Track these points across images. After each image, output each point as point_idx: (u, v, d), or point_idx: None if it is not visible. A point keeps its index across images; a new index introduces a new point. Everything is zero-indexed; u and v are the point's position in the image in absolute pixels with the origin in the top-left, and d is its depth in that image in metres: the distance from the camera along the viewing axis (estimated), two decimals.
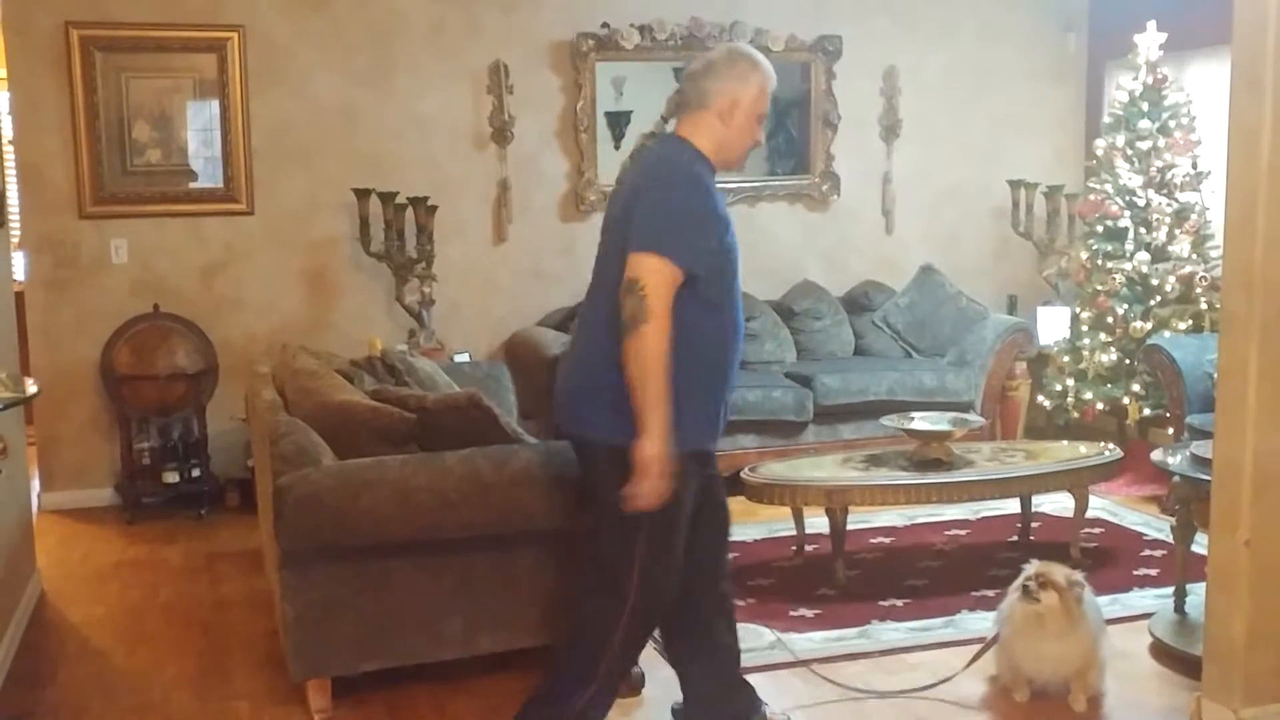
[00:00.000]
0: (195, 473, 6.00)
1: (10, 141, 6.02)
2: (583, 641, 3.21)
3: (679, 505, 3.10)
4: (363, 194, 6.08)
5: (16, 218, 6.14)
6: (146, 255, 6.13)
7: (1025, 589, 3.63)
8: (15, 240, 6.11)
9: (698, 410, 3.09)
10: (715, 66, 3.13)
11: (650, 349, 2.93)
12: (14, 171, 6.01)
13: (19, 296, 5.68)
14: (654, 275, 2.93)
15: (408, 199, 6.11)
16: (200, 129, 6.16)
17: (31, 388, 3.44)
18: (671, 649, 3.49)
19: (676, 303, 2.97)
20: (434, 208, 6.16)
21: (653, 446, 2.96)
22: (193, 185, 6.20)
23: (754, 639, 4.20)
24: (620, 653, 3.19)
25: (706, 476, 3.27)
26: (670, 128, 3.25)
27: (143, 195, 6.10)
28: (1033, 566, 3.70)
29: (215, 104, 6.12)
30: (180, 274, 6.17)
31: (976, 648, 3.94)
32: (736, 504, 5.43)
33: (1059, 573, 3.65)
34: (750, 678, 3.90)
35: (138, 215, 6.10)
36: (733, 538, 5.26)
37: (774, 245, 7.00)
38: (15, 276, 6.10)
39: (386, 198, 6.07)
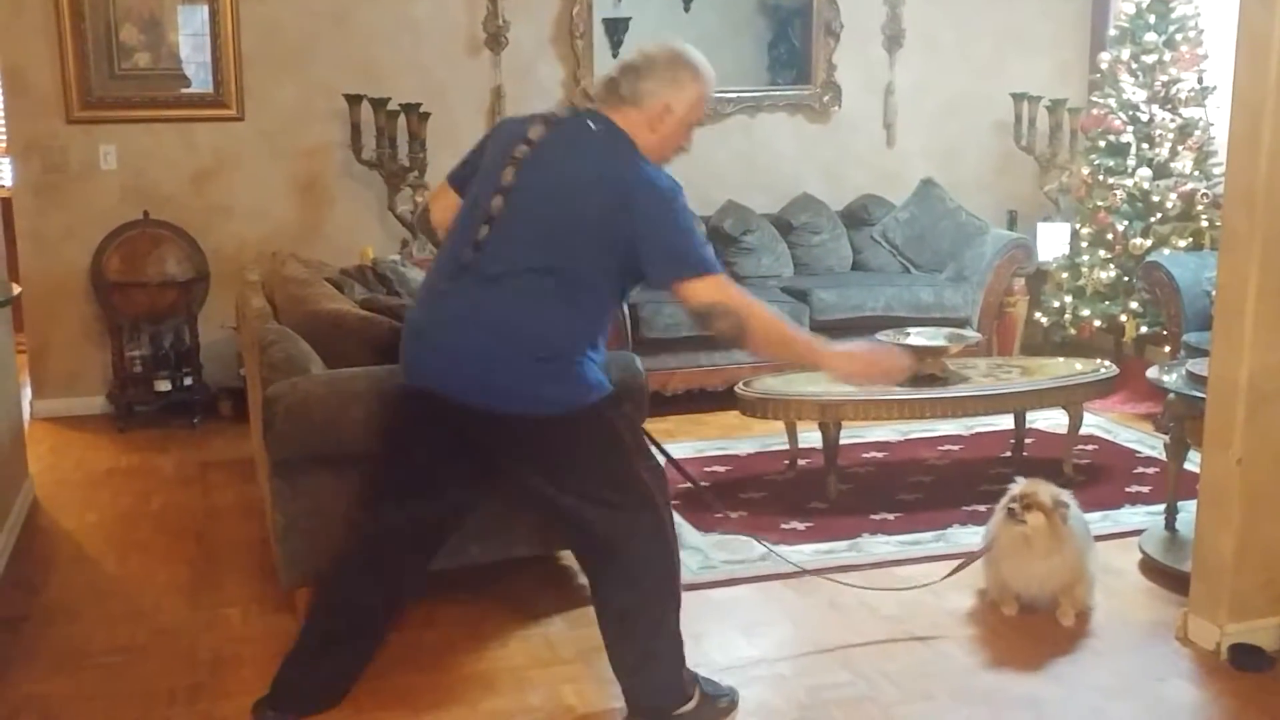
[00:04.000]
0: (187, 381, 5.99)
1: None
2: (651, 570, 3.10)
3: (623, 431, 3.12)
4: (354, 100, 5.99)
5: (1, 123, 6.04)
6: (136, 161, 6.05)
7: (1010, 511, 3.63)
8: (1, 146, 6.02)
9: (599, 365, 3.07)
10: (655, 67, 3.00)
11: (770, 327, 2.98)
12: None
13: (6, 202, 5.63)
14: (720, 291, 2.94)
15: (400, 106, 6.02)
16: (190, 33, 6.04)
17: (15, 290, 3.40)
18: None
19: (608, 281, 2.98)
20: (427, 115, 6.07)
21: (835, 366, 3.09)
22: (183, 91, 6.09)
23: (745, 551, 4.22)
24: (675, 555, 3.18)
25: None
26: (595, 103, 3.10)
27: (131, 100, 6.00)
28: (1018, 486, 3.69)
29: (205, 8, 5.99)
30: (171, 181, 6.10)
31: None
32: (731, 418, 5.51)
33: (1044, 493, 3.63)
34: (740, 589, 3.94)
35: (127, 121, 6.01)
36: (727, 451, 5.33)
37: (773, 157, 6.92)
38: (2, 182, 6.03)
39: (378, 104, 5.98)
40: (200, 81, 6.10)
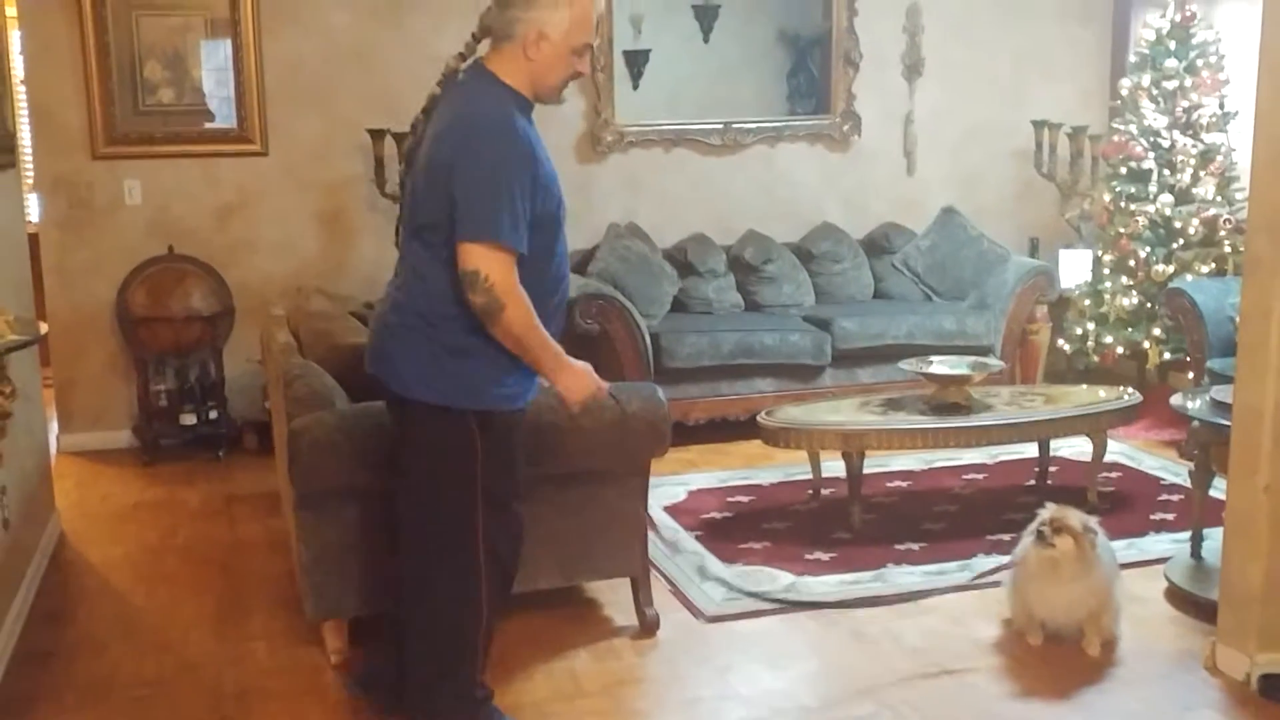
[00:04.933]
0: (213, 415, 6.02)
1: (22, 82, 5.98)
2: (447, 638, 3.11)
3: (508, 460, 3.09)
4: (377, 134, 6.04)
5: (29, 158, 6.11)
6: (161, 196, 6.10)
7: (1040, 534, 3.62)
8: (29, 182, 6.09)
9: (504, 371, 2.98)
10: None
11: (518, 327, 2.86)
12: (26, 112, 5.98)
13: (33, 238, 5.67)
14: (495, 266, 2.80)
15: None
16: (213, 69, 6.11)
17: (42, 329, 3.43)
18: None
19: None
20: None
21: (564, 382, 3.00)
22: (207, 126, 6.15)
23: (769, 582, 4.21)
24: (487, 632, 3.13)
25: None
26: (482, 49, 2.98)
27: (155, 136, 6.06)
28: (1048, 511, 3.68)
29: (228, 43, 6.05)
30: (195, 215, 6.15)
31: (992, 590, 3.94)
32: (753, 447, 5.50)
33: (1074, 517, 3.63)
34: (765, 621, 3.93)
35: (151, 156, 6.06)
36: (750, 480, 5.32)
37: (793, 187, 6.93)
38: (29, 218, 6.10)
39: (401, 138, 6.02)
40: (224, 117, 6.15)
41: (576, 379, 3.03)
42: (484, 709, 3.17)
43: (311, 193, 6.28)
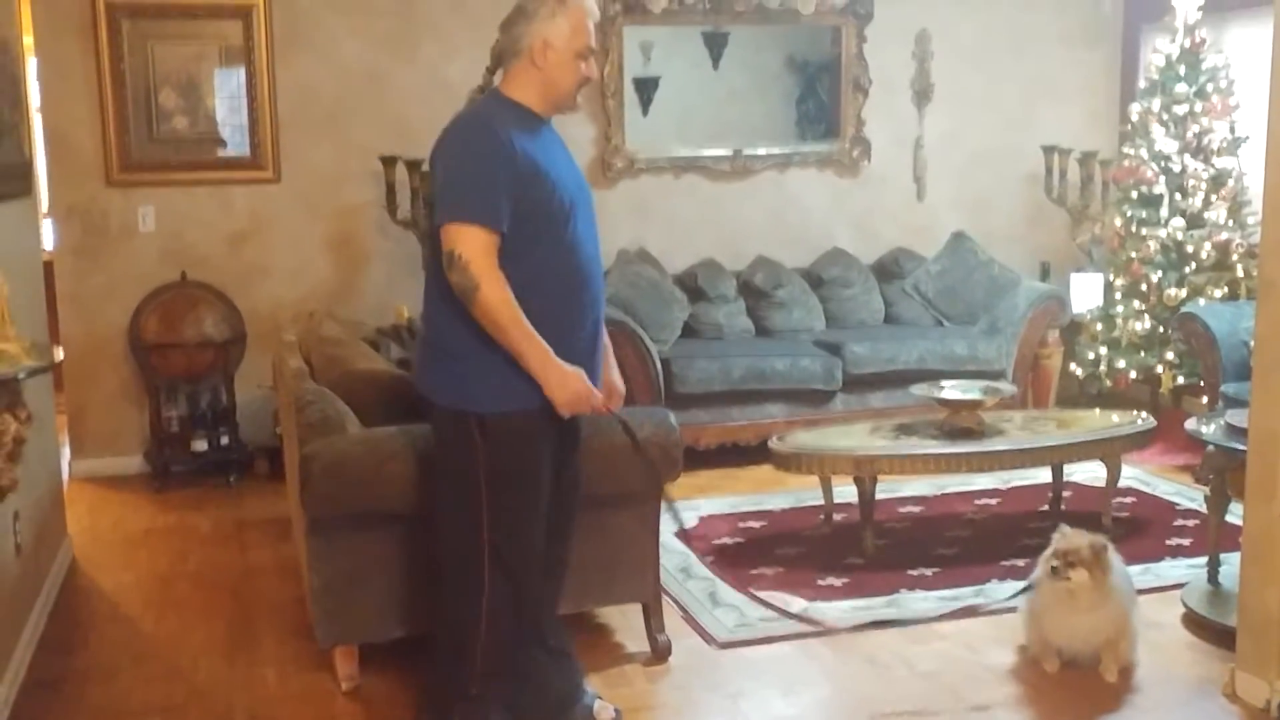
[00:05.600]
0: (224, 440, 6.02)
1: (38, 109, 6.02)
2: (450, 635, 3.23)
3: (518, 467, 3.10)
4: (389, 161, 6.06)
5: (44, 185, 6.14)
6: (174, 223, 6.13)
7: (1054, 570, 3.58)
8: (44, 209, 6.12)
9: (500, 374, 3.03)
10: (524, 9, 3.06)
11: (493, 307, 2.94)
12: (41, 139, 6.01)
13: (47, 265, 5.70)
14: (469, 244, 2.92)
15: None
16: (227, 96, 6.14)
17: (58, 355, 3.44)
18: None
19: (505, 262, 2.96)
20: None
21: (547, 381, 3.01)
22: (220, 153, 6.19)
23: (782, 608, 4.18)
24: (490, 633, 3.15)
25: (564, 433, 3.19)
26: (498, 79, 3.16)
27: (170, 163, 6.09)
28: (1059, 541, 3.64)
29: (241, 71, 6.09)
30: (208, 242, 6.18)
31: (1007, 617, 3.91)
32: (764, 473, 5.49)
33: (1086, 547, 3.58)
34: (777, 647, 3.90)
35: (165, 183, 6.10)
36: (761, 506, 5.30)
37: (803, 212, 6.94)
38: (44, 245, 6.12)
39: (413, 165, 6.04)
40: (236, 144, 6.19)
41: (565, 379, 3.04)
42: (475, 708, 3.18)
43: (323, 219, 6.31)
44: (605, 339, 3.31)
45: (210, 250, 6.17)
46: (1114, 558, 3.68)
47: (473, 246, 2.93)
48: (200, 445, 5.97)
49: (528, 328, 2.98)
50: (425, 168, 3.07)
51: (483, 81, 3.19)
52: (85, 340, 6.03)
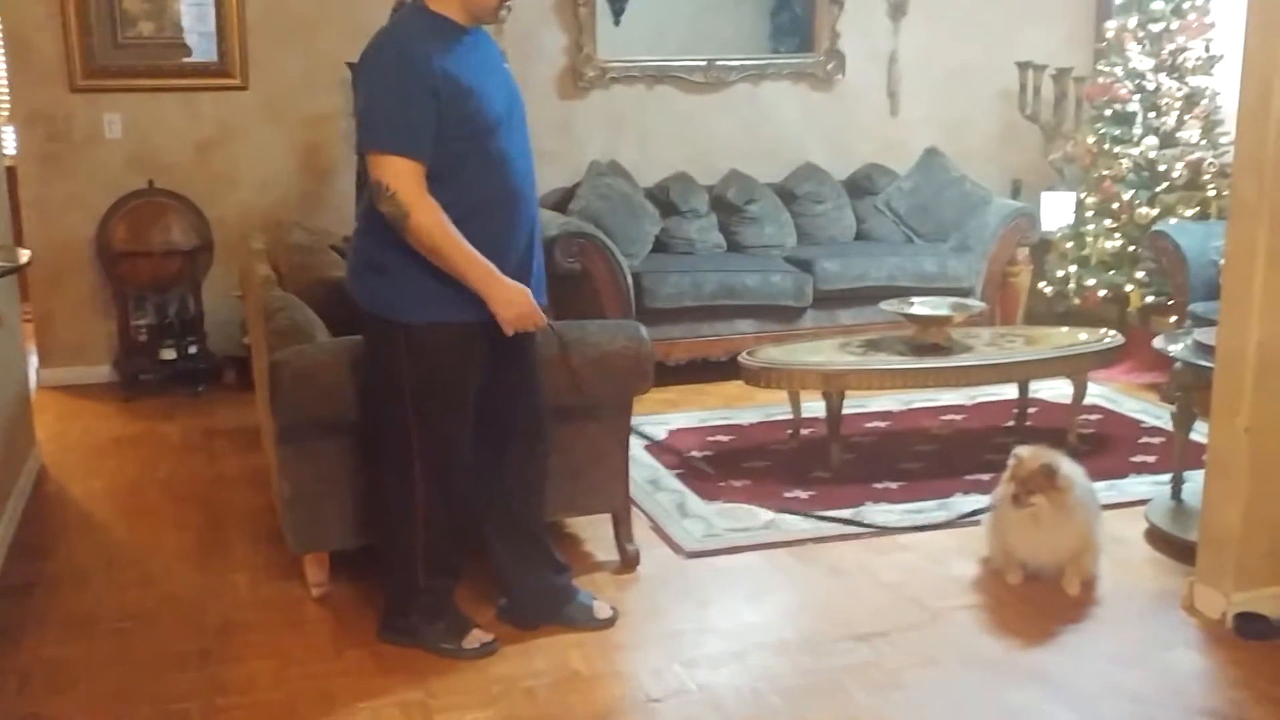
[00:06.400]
0: (192, 350, 5.99)
1: None
2: (392, 534, 3.34)
3: (443, 378, 3.16)
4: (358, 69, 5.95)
5: (5, 91, 6.02)
6: (141, 130, 6.03)
7: (1014, 498, 3.62)
8: (5, 114, 6.01)
9: (459, 282, 3.05)
10: None
11: (427, 233, 2.98)
12: (1, 43, 5.88)
13: (10, 171, 5.61)
14: (395, 174, 2.94)
15: None
16: (194, 3, 6.01)
17: (24, 256, 3.39)
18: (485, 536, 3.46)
19: (433, 184, 2.98)
20: None
21: (492, 298, 3.05)
22: (186, 60, 6.07)
23: (749, 519, 4.24)
24: (428, 531, 3.26)
25: (499, 346, 3.20)
26: None
27: (135, 69, 5.97)
28: (1015, 460, 3.68)
29: None
30: (175, 150, 6.09)
31: (970, 529, 3.97)
32: (734, 388, 5.52)
33: (1043, 470, 3.60)
34: (745, 557, 3.95)
35: (131, 90, 5.99)
36: (730, 420, 5.33)
37: (776, 126, 6.89)
38: (6, 150, 6.02)
39: None
40: (203, 51, 6.07)
41: (511, 296, 3.08)
42: (427, 599, 3.32)
43: (292, 128, 6.22)
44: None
45: (178, 158, 6.08)
46: (1078, 474, 3.74)
47: (399, 175, 2.94)
48: (168, 354, 5.94)
49: (466, 248, 3.01)
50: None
51: None
52: (51, 248, 5.94)
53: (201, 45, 6.06)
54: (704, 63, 6.70)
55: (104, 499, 4.59)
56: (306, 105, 6.21)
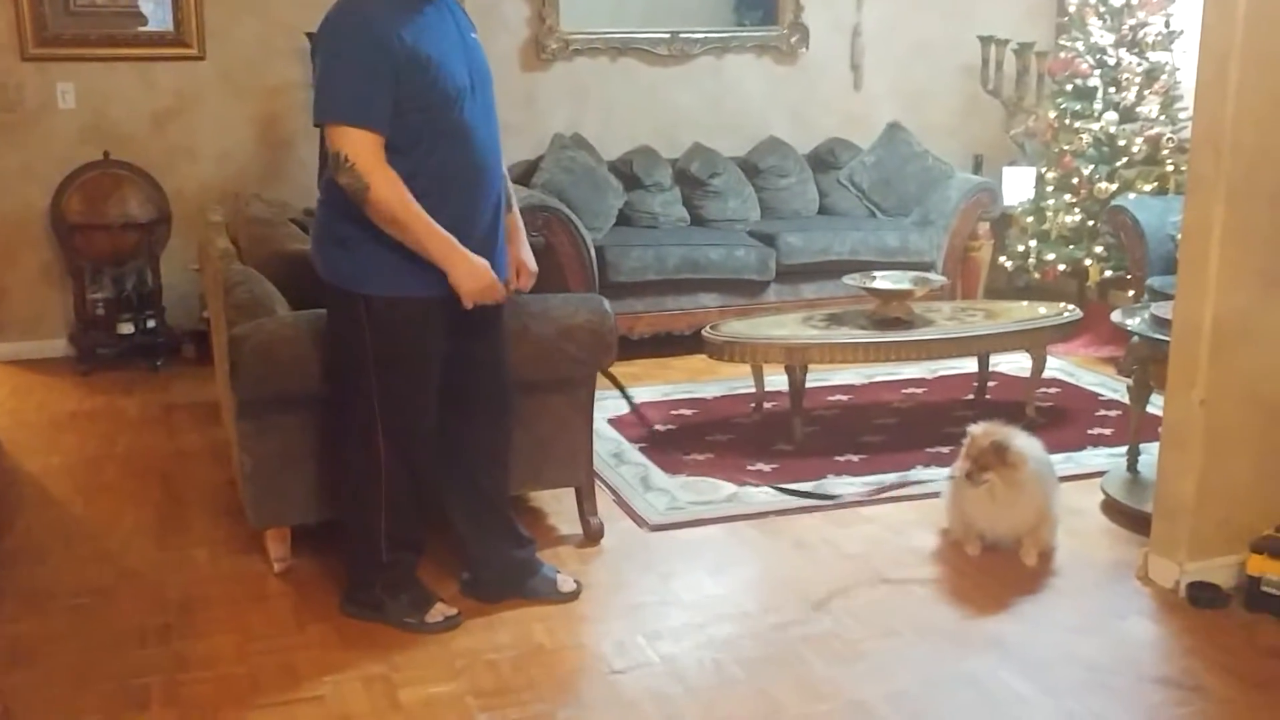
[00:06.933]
0: (150, 324, 5.93)
1: None
2: (354, 507, 3.34)
3: (404, 351, 3.15)
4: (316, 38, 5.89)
5: None
6: (95, 100, 5.95)
7: (968, 476, 3.65)
8: None
9: (421, 257, 3.03)
10: None
11: (386, 205, 2.95)
12: None
13: None
14: (353, 145, 2.91)
15: None
16: None
17: None
18: (447, 507, 3.46)
19: (393, 156, 2.96)
20: None
21: (454, 272, 3.04)
22: (141, 29, 5.98)
23: (711, 492, 4.25)
24: (390, 505, 3.26)
25: (459, 321, 3.19)
26: None
27: (89, 38, 5.89)
28: (969, 438, 3.71)
29: None
30: (131, 121, 6.01)
31: (931, 501, 4.00)
32: (697, 361, 5.53)
33: (988, 451, 3.63)
34: (708, 530, 3.97)
35: (84, 59, 5.90)
36: (694, 394, 5.34)
37: (740, 99, 6.89)
38: None
39: None
40: (159, 20, 5.99)
41: (472, 270, 3.07)
42: (390, 573, 3.33)
43: (250, 98, 6.15)
44: (516, 217, 3.37)
45: (134, 129, 6.01)
46: (1035, 448, 3.77)
47: (357, 147, 2.91)
48: (126, 328, 5.88)
49: (426, 221, 2.99)
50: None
51: None
52: (3, 221, 5.88)
53: (157, 14, 5.98)
54: (668, 35, 6.68)
55: (61, 474, 4.54)
56: (265, 75, 6.14)
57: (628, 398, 3.65)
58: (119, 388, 5.61)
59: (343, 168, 2.93)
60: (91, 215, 5.78)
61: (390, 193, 2.94)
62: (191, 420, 5.12)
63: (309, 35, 5.88)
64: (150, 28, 5.98)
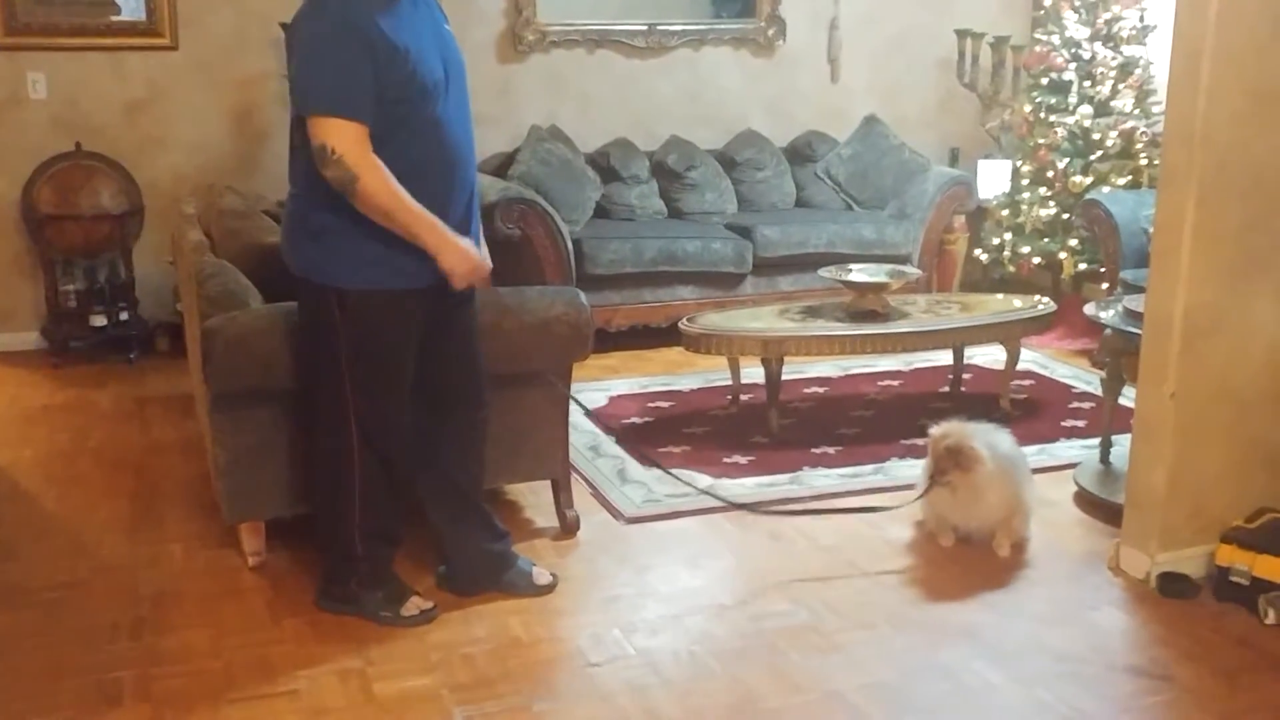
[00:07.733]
0: (123, 316, 5.89)
1: None
2: (329, 500, 3.33)
3: (379, 344, 3.15)
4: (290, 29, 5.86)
5: None
6: (67, 90, 5.90)
7: (933, 480, 3.68)
8: None
9: (396, 249, 3.03)
10: None
11: (377, 196, 2.94)
12: None
13: None
14: (339, 137, 2.88)
15: None
16: None
17: None
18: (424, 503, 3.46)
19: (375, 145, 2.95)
20: None
21: (444, 255, 3.04)
22: (114, 19, 5.94)
23: (688, 485, 4.24)
24: (365, 498, 3.25)
25: (436, 312, 3.20)
26: None
27: (60, 27, 5.84)
28: (930, 440, 3.74)
29: None
30: (103, 111, 5.96)
31: (905, 493, 4.01)
32: (674, 354, 5.53)
33: (944, 455, 3.65)
34: (684, 522, 3.97)
35: (56, 48, 5.85)
36: (670, 386, 5.35)
37: (717, 92, 6.88)
38: None
39: None
40: (131, 9, 5.94)
41: (463, 252, 3.09)
42: (365, 566, 3.32)
43: (223, 89, 6.12)
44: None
45: (106, 120, 5.96)
46: (1006, 441, 3.80)
47: (343, 139, 2.89)
48: (99, 321, 5.84)
49: (416, 207, 2.99)
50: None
51: None
52: None
53: (129, 3, 5.93)
54: (645, 27, 6.67)
55: (33, 468, 4.51)
56: (238, 66, 6.10)
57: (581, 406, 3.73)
58: (91, 381, 5.57)
59: (329, 160, 2.89)
60: (63, 206, 5.73)
61: (379, 183, 2.93)
62: (165, 413, 5.10)
63: (283, 26, 5.85)
64: (123, 17, 5.94)
